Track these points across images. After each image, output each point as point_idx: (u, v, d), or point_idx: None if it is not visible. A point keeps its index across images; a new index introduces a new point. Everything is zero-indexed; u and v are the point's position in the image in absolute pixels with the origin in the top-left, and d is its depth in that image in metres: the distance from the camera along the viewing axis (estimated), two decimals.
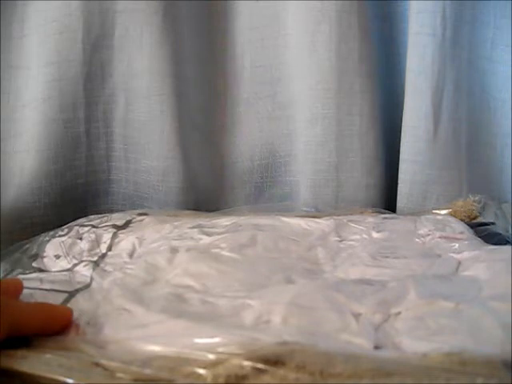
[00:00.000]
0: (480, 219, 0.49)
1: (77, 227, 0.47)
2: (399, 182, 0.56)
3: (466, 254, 0.40)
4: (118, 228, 0.47)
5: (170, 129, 0.56)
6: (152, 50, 0.54)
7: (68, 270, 0.41)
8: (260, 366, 0.27)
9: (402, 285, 0.35)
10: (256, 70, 0.59)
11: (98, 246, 0.44)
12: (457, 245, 0.42)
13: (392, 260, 0.40)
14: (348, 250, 0.42)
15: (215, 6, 0.58)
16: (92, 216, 0.51)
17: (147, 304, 0.34)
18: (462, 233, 0.45)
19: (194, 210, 0.56)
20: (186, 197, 0.57)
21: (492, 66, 0.57)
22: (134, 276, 0.39)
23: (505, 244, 0.44)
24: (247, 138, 0.60)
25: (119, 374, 0.27)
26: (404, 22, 0.56)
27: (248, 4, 0.57)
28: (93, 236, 0.45)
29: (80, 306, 0.35)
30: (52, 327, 0.32)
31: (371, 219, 0.49)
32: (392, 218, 0.49)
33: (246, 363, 0.27)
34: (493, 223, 0.48)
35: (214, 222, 0.49)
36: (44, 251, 0.44)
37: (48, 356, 0.29)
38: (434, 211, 0.51)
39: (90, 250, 0.43)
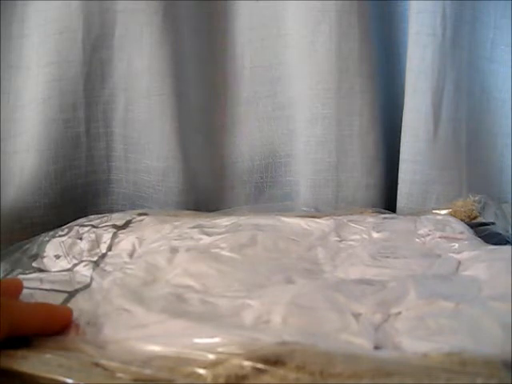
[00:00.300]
0: (480, 219, 0.49)
1: (77, 227, 0.47)
2: (399, 182, 0.56)
3: (465, 254, 0.40)
4: (118, 228, 0.47)
5: (170, 129, 0.56)
6: (152, 50, 0.54)
7: (68, 269, 0.41)
8: (260, 365, 0.27)
9: (401, 285, 0.35)
10: (256, 70, 0.59)
11: (98, 245, 0.44)
12: (457, 245, 0.42)
13: (392, 260, 0.40)
14: (348, 250, 0.42)
15: (215, 5, 0.58)
16: (92, 216, 0.51)
17: (147, 304, 0.34)
18: (462, 233, 0.45)
19: (194, 210, 0.56)
20: (186, 197, 0.57)
21: (492, 66, 0.57)
22: (134, 276, 0.39)
23: (505, 244, 0.44)
24: (247, 138, 0.60)
25: (119, 374, 0.27)
26: (404, 22, 0.56)
27: (248, 4, 0.57)
28: (93, 236, 0.45)
29: (80, 305, 0.35)
30: (52, 327, 0.32)
31: (371, 219, 0.49)
32: (392, 218, 0.49)
33: (246, 363, 0.27)
34: (493, 223, 0.48)
35: (214, 221, 0.49)
36: (44, 251, 0.44)
37: (48, 356, 0.29)
38: (433, 211, 0.51)
39: (90, 250, 0.43)
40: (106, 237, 0.45)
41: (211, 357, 0.28)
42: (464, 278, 0.37)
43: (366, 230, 0.46)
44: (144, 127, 0.56)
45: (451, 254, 0.41)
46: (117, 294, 0.36)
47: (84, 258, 0.42)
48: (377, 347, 0.29)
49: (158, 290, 0.36)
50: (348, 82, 0.55)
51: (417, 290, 0.34)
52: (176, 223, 0.48)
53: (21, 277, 0.39)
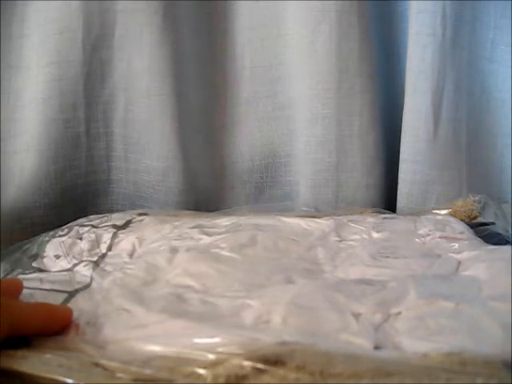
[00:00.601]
0: (480, 219, 0.49)
1: (77, 227, 0.47)
2: (399, 182, 0.56)
3: (465, 254, 0.40)
4: (118, 228, 0.47)
5: (170, 129, 0.56)
6: (152, 50, 0.54)
7: (68, 269, 0.41)
8: (260, 366, 0.27)
9: (401, 285, 0.35)
10: (256, 70, 0.59)
11: (98, 245, 0.44)
12: (457, 245, 0.42)
13: (392, 260, 0.40)
14: (348, 250, 0.42)
15: (215, 5, 0.58)
16: (92, 216, 0.51)
17: (147, 304, 0.34)
18: (462, 233, 0.45)
19: (194, 210, 0.56)
20: (186, 197, 0.57)
21: (492, 66, 0.57)
22: (134, 276, 0.39)
23: (505, 244, 0.44)
24: (247, 138, 0.60)
25: (119, 374, 0.27)
26: (404, 22, 0.56)
27: (248, 4, 0.57)
28: (93, 236, 0.45)
29: (80, 305, 0.35)
30: (52, 327, 0.32)
31: (371, 219, 0.48)
32: (392, 218, 0.49)
33: (246, 363, 0.27)
34: (493, 223, 0.48)
35: (214, 221, 0.49)
36: (44, 251, 0.44)
37: (48, 356, 0.29)
38: (433, 211, 0.51)
39: (90, 250, 0.43)
40: (106, 237, 0.45)
41: (211, 357, 0.28)
42: (464, 278, 0.37)
43: (366, 230, 0.46)
44: (144, 127, 0.56)
45: (451, 254, 0.41)
46: (117, 294, 0.36)
47: (84, 258, 0.42)
48: (377, 347, 0.29)
49: (157, 289, 0.36)
50: (348, 82, 0.55)
51: (417, 290, 0.34)
52: (176, 223, 0.48)
53: (21, 277, 0.39)
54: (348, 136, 0.56)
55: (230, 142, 0.60)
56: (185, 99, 0.57)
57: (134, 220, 0.49)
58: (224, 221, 0.49)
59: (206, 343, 0.29)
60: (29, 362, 0.28)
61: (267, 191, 0.60)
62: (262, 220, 0.48)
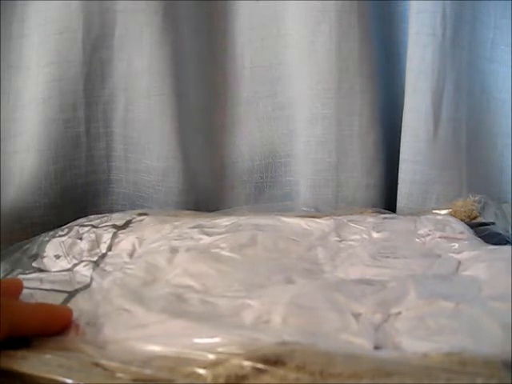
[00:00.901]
0: (480, 219, 0.49)
1: (77, 227, 0.47)
2: (399, 182, 0.56)
3: (465, 254, 0.40)
4: (118, 228, 0.47)
5: (170, 129, 0.56)
6: (152, 50, 0.54)
7: (68, 269, 0.41)
8: (260, 366, 0.27)
9: (401, 285, 0.35)
10: (256, 70, 0.59)
11: (98, 245, 0.44)
12: (457, 245, 0.42)
13: (392, 260, 0.40)
14: (348, 250, 0.42)
15: (215, 5, 0.58)
16: (92, 216, 0.51)
17: (147, 304, 0.34)
18: (462, 233, 0.45)
19: (194, 210, 0.56)
20: (186, 197, 0.57)
21: (492, 66, 0.57)
22: (134, 276, 0.39)
23: (505, 244, 0.44)
24: (247, 138, 0.60)
25: (119, 374, 0.27)
26: (404, 22, 0.56)
27: (248, 4, 0.57)
28: (93, 236, 0.45)
29: (80, 306, 0.35)
30: (52, 327, 0.32)
31: (371, 219, 0.48)
32: (392, 218, 0.49)
33: (246, 363, 0.27)
34: (493, 223, 0.48)
35: (214, 221, 0.49)
36: (44, 251, 0.44)
37: (48, 356, 0.29)
38: (433, 211, 0.51)
39: (90, 250, 0.43)
40: (106, 237, 0.45)
41: (211, 357, 0.28)
42: (464, 278, 0.37)
43: (366, 230, 0.46)
44: (144, 127, 0.56)
45: (451, 254, 0.41)
46: (117, 294, 0.36)
47: (84, 258, 0.42)
48: (377, 347, 0.29)
49: (158, 289, 0.36)
50: (348, 82, 0.55)
51: (417, 290, 0.34)
52: (176, 223, 0.48)
53: (21, 277, 0.39)
54: (348, 136, 0.56)
55: (230, 142, 0.60)
56: (185, 99, 0.57)
57: (133, 220, 0.49)
58: (224, 221, 0.49)
59: (206, 343, 0.29)
60: (29, 363, 0.28)
61: (267, 191, 0.60)
62: (262, 220, 0.48)
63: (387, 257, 0.40)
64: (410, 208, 0.55)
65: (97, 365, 0.28)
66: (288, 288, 0.35)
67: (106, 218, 0.49)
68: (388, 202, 0.58)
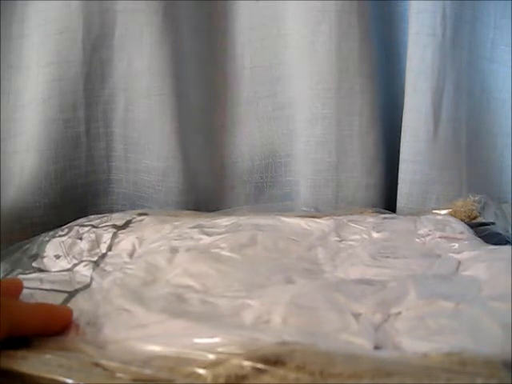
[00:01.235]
0: (480, 219, 0.49)
1: (77, 227, 0.47)
2: (399, 182, 0.56)
3: (465, 254, 0.40)
4: (118, 228, 0.47)
5: (170, 129, 0.56)
6: (152, 50, 0.54)
7: (68, 269, 0.41)
8: (260, 366, 0.27)
9: (402, 285, 0.35)
10: (256, 70, 0.59)
11: (98, 245, 0.44)
12: (457, 245, 0.42)
13: (392, 260, 0.40)
14: (348, 250, 0.42)
15: (215, 5, 0.58)
16: (92, 216, 0.51)
17: (147, 304, 0.34)
18: (462, 233, 0.45)
19: (194, 210, 0.56)
20: (186, 197, 0.57)
21: (492, 66, 0.57)
22: (134, 276, 0.39)
23: (505, 244, 0.44)
24: (247, 138, 0.60)
25: (119, 374, 0.27)
26: (404, 22, 0.56)
27: (248, 4, 0.57)
28: (93, 236, 0.45)
29: (80, 306, 0.35)
30: (52, 327, 0.32)
31: (371, 219, 0.49)
32: (392, 218, 0.49)
33: (246, 363, 0.27)
34: (493, 223, 0.48)
35: (214, 222, 0.49)
36: (44, 251, 0.44)
37: (48, 356, 0.29)
38: (434, 211, 0.51)
39: (90, 250, 0.43)
40: (106, 237, 0.45)
41: (211, 357, 0.28)
42: (464, 278, 0.37)
43: (366, 230, 0.46)
44: (144, 127, 0.56)
45: (451, 254, 0.41)
46: (117, 294, 0.36)
47: (84, 258, 0.42)
48: (377, 347, 0.29)
49: (158, 289, 0.36)
50: (348, 82, 0.55)
51: (417, 290, 0.34)
52: (176, 223, 0.48)
53: (21, 277, 0.39)
54: (348, 136, 0.56)
55: (230, 142, 0.60)
56: (185, 99, 0.57)
57: (134, 220, 0.49)
58: (224, 221, 0.49)
59: (206, 343, 0.29)
60: (29, 363, 0.28)
61: (267, 191, 0.60)
62: (262, 220, 0.48)
63: (387, 257, 0.40)
64: (409, 208, 0.55)
65: (97, 365, 0.28)
66: (288, 288, 0.35)
67: (105, 218, 0.49)
68: (388, 202, 0.58)
